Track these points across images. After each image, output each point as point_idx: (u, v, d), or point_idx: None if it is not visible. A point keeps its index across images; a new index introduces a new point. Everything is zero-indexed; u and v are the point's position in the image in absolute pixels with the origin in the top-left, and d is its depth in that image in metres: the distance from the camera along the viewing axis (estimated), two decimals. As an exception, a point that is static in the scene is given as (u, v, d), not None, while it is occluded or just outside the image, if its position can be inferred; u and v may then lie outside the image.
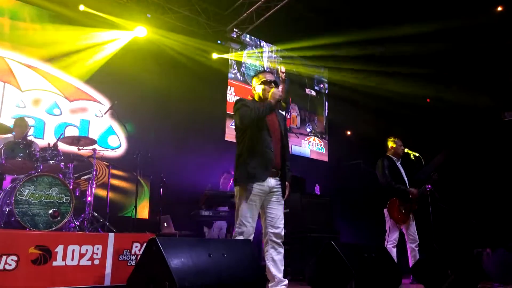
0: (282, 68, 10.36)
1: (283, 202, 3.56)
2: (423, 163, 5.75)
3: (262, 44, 10.07)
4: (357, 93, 10.04)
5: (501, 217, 8.34)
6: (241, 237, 3.30)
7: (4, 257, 3.67)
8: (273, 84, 3.59)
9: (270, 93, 3.50)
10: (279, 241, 3.43)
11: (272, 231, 3.43)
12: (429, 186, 5.66)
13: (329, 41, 9.03)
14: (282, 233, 3.46)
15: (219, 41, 9.04)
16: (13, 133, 5.45)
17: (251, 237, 3.34)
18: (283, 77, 10.37)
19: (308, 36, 9.25)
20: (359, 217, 9.23)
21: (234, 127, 3.74)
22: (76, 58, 7.30)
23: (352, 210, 9.49)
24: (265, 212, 3.49)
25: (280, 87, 3.66)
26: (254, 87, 3.69)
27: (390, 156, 5.80)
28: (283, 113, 4.05)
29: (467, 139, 9.47)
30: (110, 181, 6.35)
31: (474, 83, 9.55)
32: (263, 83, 3.62)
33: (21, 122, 5.54)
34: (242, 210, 3.37)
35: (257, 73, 3.77)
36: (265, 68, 9.91)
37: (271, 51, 10.29)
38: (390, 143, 5.87)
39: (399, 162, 5.80)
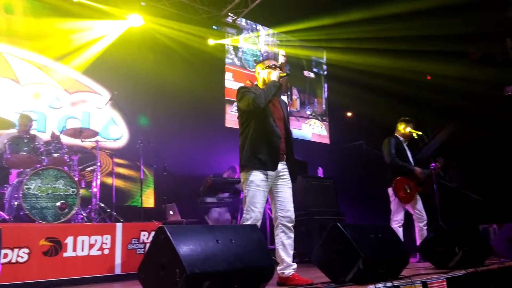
0: (282, 52, 10.29)
1: (291, 185, 3.57)
2: (426, 141, 5.75)
3: (258, 28, 10.00)
4: (356, 74, 9.98)
5: (507, 193, 8.37)
6: (248, 223, 3.32)
7: (16, 250, 3.74)
8: (278, 68, 3.60)
9: (274, 75, 3.51)
10: (290, 225, 3.44)
11: (282, 214, 3.44)
12: (434, 165, 5.66)
13: (326, 21, 8.96)
14: (293, 217, 3.47)
15: (214, 27, 9.00)
16: (16, 127, 5.47)
17: (259, 223, 3.35)
18: (284, 60, 10.29)
19: (304, 17, 9.18)
20: (363, 198, 9.28)
21: (236, 114, 3.72)
22: (73, 50, 7.27)
23: (356, 191, 9.54)
24: (274, 196, 3.51)
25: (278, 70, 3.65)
26: (258, 73, 3.68)
27: (398, 136, 5.79)
28: (285, 98, 4.06)
29: (470, 115, 9.44)
30: (114, 171, 6.38)
31: (476, 59, 9.49)
32: (268, 67, 3.62)
33: (23, 119, 5.56)
34: (250, 196, 3.38)
35: (262, 60, 3.78)
36: (262, 52, 9.86)
37: (268, 35, 10.22)
38: (402, 124, 5.81)
39: (406, 144, 5.79)
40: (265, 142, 3.43)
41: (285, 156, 3.57)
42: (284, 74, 3.57)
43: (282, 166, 3.52)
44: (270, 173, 3.41)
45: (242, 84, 3.25)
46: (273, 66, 3.63)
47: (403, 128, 5.79)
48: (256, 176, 3.37)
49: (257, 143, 3.43)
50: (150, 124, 7.66)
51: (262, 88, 3.53)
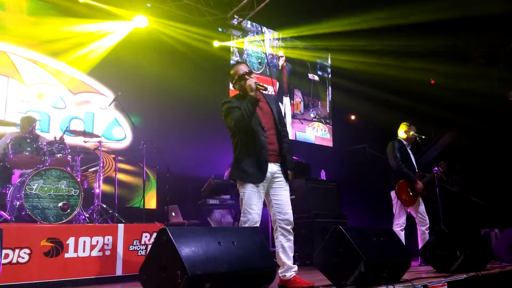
0: (280, 53, 10.30)
1: (288, 187, 3.54)
2: (429, 145, 5.76)
3: (263, 30, 10.01)
4: (360, 77, 10.00)
5: (508, 198, 8.34)
6: (246, 226, 3.32)
7: (17, 250, 3.74)
8: (245, 76, 3.48)
9: (247, 86, 3.42)
10: (289, 227, 3.42)
11: (280, 217, 3.43)
12: (436, 169, 5.65)
13: (331, 25, 8.97)
14: (291, 219, 3.45)
15: (220, 29, 9.00)
16: (18, 127, 5.48)
17: (257, 225, 3.34)
18: (283, 62, 10.30)
19: (310, 21, 9.19)
20: (365, 201, 9.27)
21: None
22: (78, 50, 7.29)
23: (358, 194, 9.52)
24: (270, 199, 3.48)
25: (252, 75, 3.55)
26: (233, 86, 3.65)
27: (402, 140, 5.79)
28: (287, 100, 4.02)
29: (473, 119, 9.42)
30: (117, 172, 6.38)
31: (479, 63, 9.49)
32: (237, 80, 3.55)
33: (27, 120, 5.55)
34: (246, 198, 3.38)
35: (229, 71, 3.68)
36: (266, 55, 9.86)
37: (273, 37, 10.24)
38: (405, 127, 5.83)
39: (410, 148, 5.79)
40: (251, 154, 3.41)
41: (279, 157, 3.53)
42: (263, 88, 3.41)
43: (277, 168, 3.49)
44: (266, 174, 3.40)
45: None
46: (240, 75, 3.51)
47: (405, 132, 5.79)
48: (247, 185, 3.38)
49: (242, 156, 3.44)
50: (151, 125, 7.65)
51: (242, 100, 3.45)
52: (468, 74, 9.51)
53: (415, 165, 5.70)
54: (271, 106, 3.64)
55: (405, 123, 5.87)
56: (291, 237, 3.45)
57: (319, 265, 3.48)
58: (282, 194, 3.49)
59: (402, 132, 5.84)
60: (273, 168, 3.46)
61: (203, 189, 6.74)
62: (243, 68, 3.55)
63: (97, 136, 5.88)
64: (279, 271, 3.40)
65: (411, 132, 5.76)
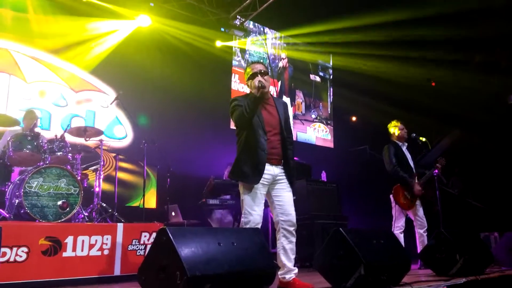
0: (283, 55, 10.29)
1: (290, 188, 3.52)
2: (429, 147, 5.74)
3: (265, 31, 10.01)
4: (362, 79, 9.99)
5: (508, 201, 8.32)
6: (247, 226, 3.31)
7: (15, 249, 3.72)
8: (256, 75, 3.49)
9: (252, 84, 3.47)
10: (291, 229, 3.41)
11: (283, 218, 3.41)
12: (436, 171, 5.63)
13: (333, 26, 8.97)
14: (294, 220, 3.43)
15: (222, 29, 9.01)
16: (22, 125, 5.46)
17: (259, 226, 3.33)
18: (285, 63, 10.31)
19: (312, 21, 9.18)
20: (366, 203, 9.24)
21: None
22: (80, 49, 7.31)
23: (359, 196, 9.49)
24: (272, 200, 3.47)
25: (266, 77, 3.57)
26: (246, 83, 3.67)
27: (396, 141, 5.77)
28: (288, 100, 4.02)
29: (473, 122, 9.41)
30: (117, 171, 6.37)
31: (480, 66, 9.48)
32: (249, 77, 3.56)
33: (30, 115, 5.55)
34: (246, 199, 3.37)
35: (246, 67, 3.71)
36: (268, 55, 9.86)
37: (275, 38, 10.23)
38: (393, 128, 5.83)
39: (405, 147, 5.77)
40: (250, 155, 3.41)
41: (282, 160, 3.53)
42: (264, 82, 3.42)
43: (279, 171, 3.49)
44: (266, 177, 3.40)
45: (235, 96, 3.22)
46: (253, 74, 3.52)
47: (394, 132, 5.78)
48: (247, 186, 3.39)
49: (242, 156, 3.46)
50: (152, 124, 7.65)
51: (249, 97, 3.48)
52: (469, 77, 9.50)
53: (412, 166, 5.67)
54: (279, 111, 3.62)
55: (392, 123, 5.85)
56: (293, 239, 3.43)
57: (319, 267, 3.47)
58: (285, 195, 3.47)
59: (392, 133, 5.82)
60: (275, 170, 3.46)
61: (204, 190, 6.72)
62: (257, 67, 3.56)
63: (99, 131, 5.82)
64: (279, 273, 3.38)
65: (398, 130, 5.73)
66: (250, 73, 3.55)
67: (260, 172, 3.38)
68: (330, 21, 8.89)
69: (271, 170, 3.44)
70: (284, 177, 3.51)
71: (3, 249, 3.61)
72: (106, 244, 4.26)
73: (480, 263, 4.48)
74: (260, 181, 3.37)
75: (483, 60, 9.72)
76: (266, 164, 3.41)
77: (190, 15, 8.45)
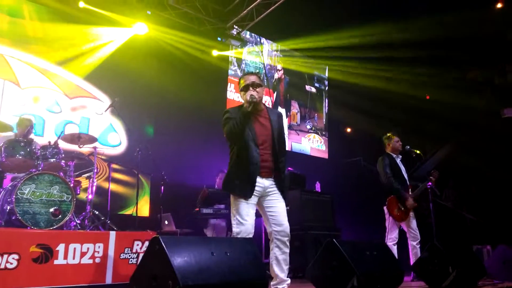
0: (278, 66, 10.34)
1: (282, 199, 3.52)
2: (423, 160, 5.76)
3: (262, 41, 10.05)
4: (357, 90, 10.04)
5: (501, 214, 8.35)
6: (239, 236, 3.29)
7: (5, 256, 3.66)
8: (249, 87, 3.49)
9: (244, 98, 3.48)
10: (285, 239, 3.39)
11: (276, 229, 3.40)
12: (430, 184, 5.65)
13: (329, 38, 9.04)
14: (288, 230, 3.42)
15: (219, 38, 9.03)
16: (15, 131, 5.43)
17: (251, 235, 3.32)
18: (281, 74, 10.35)
19: (308, 33, 9.25)
20: (360, 214, 9.24)
21: None
22: (76, 55, 7.29)
23: (353, 207, 9.49)
24: (265, 211, 3.46)
25: (259, 89, 3.56)
26: (240, 94, 3.67)
27: (390, 153, 5.79)
28: (283, 111, 4.02)
29: (467, 135, 9.47)
30: (110, 179, 6.33)
31: (474, 80, 9.57)
32: (242, 89, 3.56)
33: (25, 122, 5.52)
34: (238, 209, 3.36)
35: (240, 78, 3.70)
36: (264, 65, 9.90)
37: (272, 49, 10.28)
38: (386, 140, 5.86)
39: (400, 159, 5.79)
40: (242, 168, 3.41)
41: (272, 173, 3.52)
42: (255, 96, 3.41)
43: (269, 183, 3.48)
44: (257, 188, 3.39)
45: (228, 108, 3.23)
46: (244, 87, 3.53)
47: (388, 144, 5.81)
48: (238, 198, 3.38)
49: (235, 169, 3.46)
50: (138, 129, 7.61)
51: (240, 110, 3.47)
52: (463, 91, 9.58)
53: (406, 178, 5.70)
54: (272, 123, 3.59)
55: (386, 135, 5.90)
56: (287, 250, 3.42)
57: (311, 278, 3.46)
58: (277, 206, 3.46)
59: (386, 145, 5.86)
60: (265, 183, 3.45)
61: (199, 200, 6.69)
62: (250, 79, 3.54)
63: (93, 138, 5.78)
64: (272, 283, 3.37)
65: (392, 142, 5.76)
66: (243, 85, 3.55)
67: (252, 186, 3.37)
68: (327, 32, 8.96)
69: (262, 183, 3.43)
70: (275, 188, 3.50)
71: (-7, 256, 3.56)
72: (98, 252, 4.20)
73: (473, 275, 4.48)
74: (246, 199, 3.37)
75: (475, 76, 9.84)
76: (257, 177, 3.41)
77: (187, 24, 8.47)
